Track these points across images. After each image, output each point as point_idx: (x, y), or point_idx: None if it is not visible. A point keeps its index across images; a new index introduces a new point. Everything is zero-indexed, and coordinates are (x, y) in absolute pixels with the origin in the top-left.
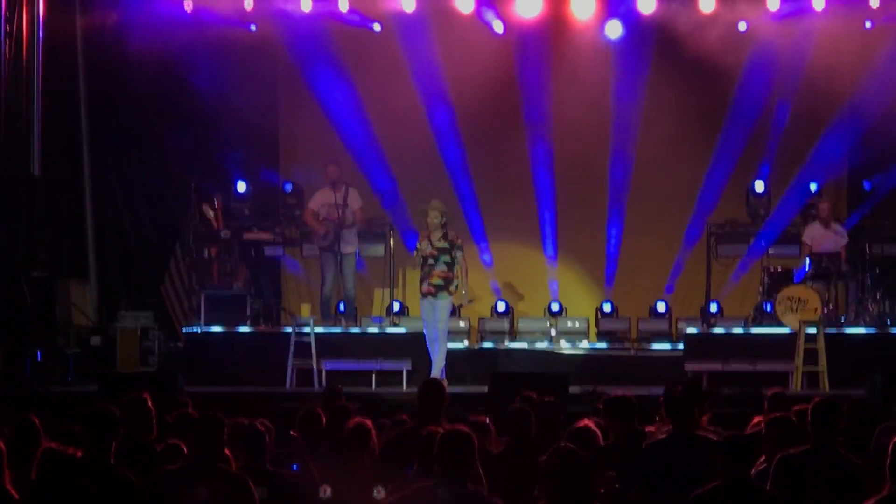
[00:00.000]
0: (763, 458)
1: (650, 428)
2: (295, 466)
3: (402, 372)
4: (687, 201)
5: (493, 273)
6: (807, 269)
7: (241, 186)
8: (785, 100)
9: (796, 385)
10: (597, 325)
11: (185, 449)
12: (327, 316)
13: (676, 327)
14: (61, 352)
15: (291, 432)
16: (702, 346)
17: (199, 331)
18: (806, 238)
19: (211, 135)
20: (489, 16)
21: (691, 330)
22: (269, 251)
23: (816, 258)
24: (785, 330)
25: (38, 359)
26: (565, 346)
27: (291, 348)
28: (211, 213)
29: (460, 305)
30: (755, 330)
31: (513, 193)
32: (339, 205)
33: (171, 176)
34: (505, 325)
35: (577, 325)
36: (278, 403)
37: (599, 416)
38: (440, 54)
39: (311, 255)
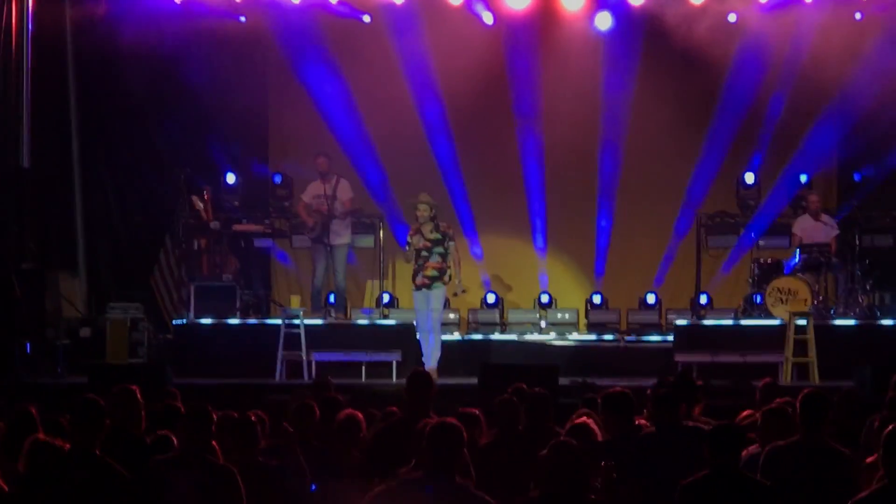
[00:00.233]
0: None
1: (641, 420)
2: (314, 487)
3: (391, 363)
4: (677, 193)
5: (483, 265)
6: (797, 260)
7: (231, 178)
8: (775, 91)
9: (786, 376)
10: (586, 316)
11: (174, 440)
12: (317, 307)
13: (666, 319)
14: (51, 344)
15: (284, 424)
16: (692, 337)
17: (188, 322)
18: (796, 229)
19: (200, 126)
20: (479, 7)
21: (681, 321)
22: (258, 243)
23: (806, 249)
24: (775, 321)
25: (28, 351)
26: (555, 338)
27: (281, 340)
28: (200, 205)
29: (454, 295)
30: (745, 321)
31: (502, 185)
32: (329, 196)
33: (161, 168)
34: (495, 316)
35: (566, 316)
36: (268, 395)
37: (597, 410)
38: (430, 45)
39: (300, 247)
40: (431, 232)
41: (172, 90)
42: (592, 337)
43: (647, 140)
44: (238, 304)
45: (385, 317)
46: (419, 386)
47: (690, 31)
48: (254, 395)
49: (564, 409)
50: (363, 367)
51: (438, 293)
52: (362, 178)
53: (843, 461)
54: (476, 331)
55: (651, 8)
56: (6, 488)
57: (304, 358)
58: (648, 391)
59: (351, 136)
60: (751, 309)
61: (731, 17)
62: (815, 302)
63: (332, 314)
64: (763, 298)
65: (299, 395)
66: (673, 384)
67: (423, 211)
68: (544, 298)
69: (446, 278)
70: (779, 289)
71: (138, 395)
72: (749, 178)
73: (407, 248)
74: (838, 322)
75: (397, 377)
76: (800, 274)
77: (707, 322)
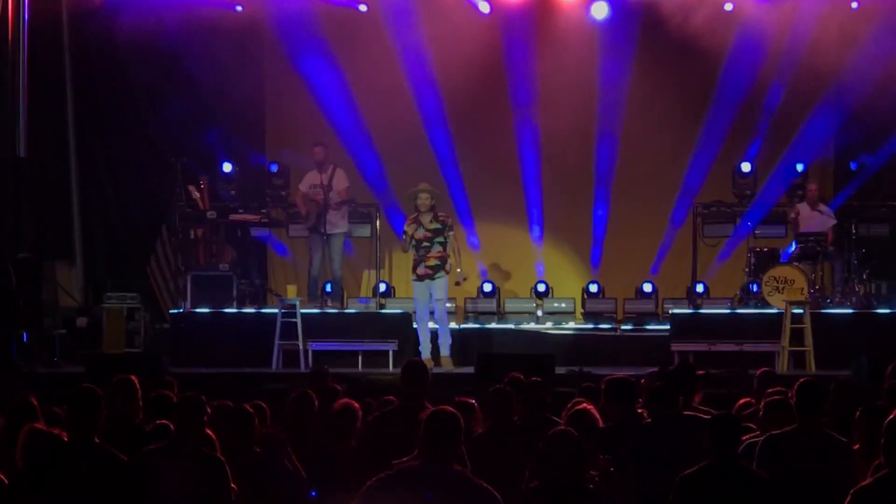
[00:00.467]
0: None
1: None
2: (313, 493)
3: (388, 353)
4: (673, 182)
5: (479, 254)
6: (793, 249)
7: (228, 167)
8: (772, 80)
9: (783, 365)
10: (583, 305)
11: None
12: (314, 297)
13: (663, 308)
14: (47, 333)
15: (267, 429)
16: (688, 326)
17: (185, 312)
18: (795, 213)
19: (197, 116)
20: None
21: (678, 310)
22: (255, 232)
23: (803, 238)
24: (771, 310)
25: (25, 340)
26: (552, 327)
27: (278, 329)
28: (197, 195)
29: (457, 284)
30: (741, 310)
31: (499, 174)
32: (325, 186)
33: (158, 157)
34: (492, 305)
35: (563, 305)
36: (265, 384)
37: (593, 400)
38: (426, 34)
39: (297, 236)
40: (431, 222)
41: (169, 79)
42: (589, 326)
43: (644, 129)
44: (235, 294)
45: (382, 306)
46: (414, 375)
47: (687, 20)
48: (250, 384)
49: (561, 398)
50: (360, 357)
51: (441, 283)
52: (359, 167)
53: (841, 449)
54: (473, 320)
55: None
56: (6, 480)
57: (301, 347)
58: (642, 381)
59: (348, 126)
60: (747, 298)
61: (728, 6)
62: (812, 291)
63: (329, 303)
64: (759, 287)
65: (296, 384)
66: (672, 374)
67: (425, 200)
68: (541, 287)
69: (448, 267)
70: (775, 278)
71: (137, 385)
72: (745, 167)
73: (404, 237)
74: (835, 311)
75: (394, 366)
76: (796, 263)
77: (704, 311)
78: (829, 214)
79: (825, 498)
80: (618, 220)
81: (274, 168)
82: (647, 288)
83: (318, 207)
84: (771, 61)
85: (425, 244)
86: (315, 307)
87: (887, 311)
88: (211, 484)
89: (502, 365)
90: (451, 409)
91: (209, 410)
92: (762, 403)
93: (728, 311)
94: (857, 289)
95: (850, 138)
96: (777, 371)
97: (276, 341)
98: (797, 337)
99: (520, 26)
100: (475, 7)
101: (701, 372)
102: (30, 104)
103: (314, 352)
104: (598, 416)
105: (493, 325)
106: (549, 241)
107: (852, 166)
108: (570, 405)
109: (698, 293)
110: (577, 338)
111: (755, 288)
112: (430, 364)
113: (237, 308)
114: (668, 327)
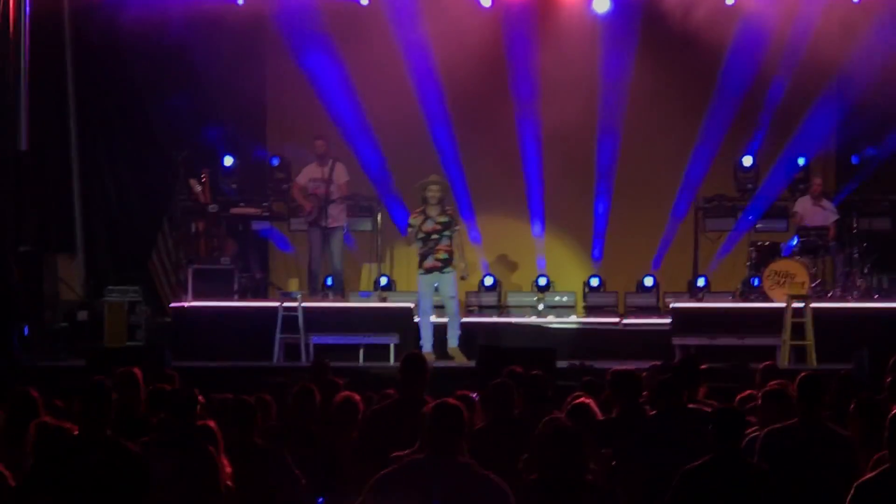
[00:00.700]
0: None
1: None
2: (321, 500)
3: (389, 346)
4: (675, 176)
5: (481, 248)
6: (794, 243)
7: (229, 161)
8: (773, 74)
9: (784, 359)
10: (584, 299)
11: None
12: (315, 290)
13: (664, 302)
14: (48, 327)
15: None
16: (689, 320)
17: (186, 305)
18: (797, 208)
19: (198, 109)
20: None
21: (679, 304)
22: (256, 226)
23: (804, 232)
24: (772, 304)
25: (26, 334)
26: (553, 321)
27: (279, 322)
28: (198, 188)
29: (462, 278)
30: (743, 304)
31: (501, 168)
32: (326, 179)
33: (159, 150)
34: (493, 299)
35: (564, 299)
36: (266, 377)
37: (594, 394)
38: (427, 27)
39: (298, 230)
40: (440, 215)
41: (171, 73)
42: (590, 320)
43: (646, 123)
44: (236, 287)
45: (383, 300)
46: (413, 368)
47: (688, 14)
48: (251, 377)
49: (562, 391)
50: (361, 350)
51: (450, 277)
52: (360, 161)
53: (842, 443)
54: (474, 314)
55: None
56: (7, 473)
57: (303, 341)
58: (644, 374)
59: (349, 119)
60: (748, 292)
61: (729, 0)
62: (813, 285)
63: (330, 297)
64: (761, 281)
65: (298, 378)
66: (676, 367)
67: (435, 192)
68: (542, 281)
69: (455, 261)
70: (776, 272)
71: (140, 378)
72: (747, 160)
73: (409, 230)
74: (836, 305)
75: (395, 360)
76: (797, 257)
77: (705, 305)
78: (832, 210)
79: (826, 491)
80: (619, 213)
81: (275, 161)
82: (649, 282)
83: (318, 201)
84: (772, 55)
85: (434, 237)
86: (316, 301)
87: (888, 305)
88: (198, 475)
89: (503, 359)
90: (454, 401)
91: (202, 401)
92: (760, 393)
93: (729, 305)
94: (858, 283)
95: (851, 132)
96: (778, 365)
97: (278, 335)
98: (798, 331)
99: (521, 20)
100: (477, 1)
101: (704, 366)
102: (31, 98)
103: (315, 345)
104: (597, 409)
105: (495, 319)
106: (550, 234)
107: (854, 160)
108: (569, 399)
109: (699, 287)
110: (579, 332)
111: (756, 282)
112: (431, 358)
113: (238, 302)
114: (669, 321)
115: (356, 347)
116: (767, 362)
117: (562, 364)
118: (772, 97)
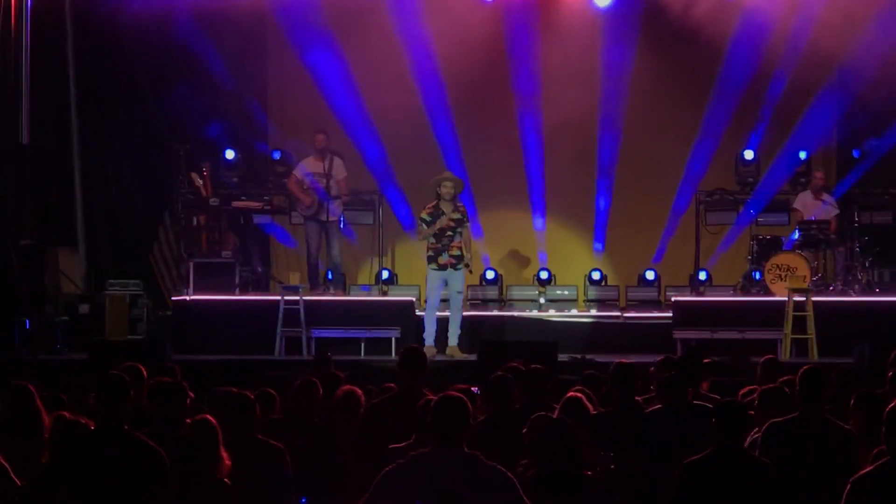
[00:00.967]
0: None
1: (637, 397)
2: (304, 500)
3: (390, 340)
4: (676, 170)
5: (482, 241)
6: (795, 237)
7: (230, 154)
8: (774, 68)
9: (785, 353)
10: (586, 293)
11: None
12: (315, 284)
13: (665, 295)
14: (50, 320)
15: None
16: (691, 313)
17: (187, 299)
18: (797, 204)
19: (200, 102)
20: None
21: (680, 298)
22: (257, 219)
23: (805, 226)
24: (774, 298)
25: (27, 327)
26: (554, 314)
27: (280, 316)
28: (200, 182)
29: (470, 271)
30: (744, 298)
31: (502, 162)
32: (326, 174)
33: (160, 144)
34: (494, 293)
35: (566, 292)
36: (267, 371)
37: (594, 388)
38: (429, 21)
39: (299, 223)
40: (454, 212)
41: (172, 66)
42: (592, 313)
43: (647, 117)
44: (237, 281)
45: (384, 293)
46: (412, 362)
47: (689, 7)
48: (253, 371)
49: (564, 385)
50: (362, 344)
51: (461, 275)
52: (362, 155)
53: (843, 436)
54: (476, 307)
55: None
56: (6, 465)
57: (304, 334)
58: (651, 369)
59: (351, 113)
60: (749, 285)
61: None
62: (814, 278)
63: (331, 290)
64: (762, 275)
65: (299, 371)
66: (680, 362)
67: (450, 188)
68: (544, 275)
69: (466, 257)
70: (778, 265)
71: (143, 372)
72: (748, 154)
73: (422, 225)
74: (837, 299)
75: (396, 353)
76: (799, 251)
77: (706, 298)
78: (832, 204)
79: (827, 485)
80: (620, 207)
81: (277, 155)
82: (650, 275)
83: (318, 196)
84: (773, 48)
85: (449, 233)
86: (317, 294)
87: (889, 298)
88: (186, 469)
89: (505, 353)
90: (457, 393)
91: (192, 395)
92: (757, 392)
93: (730, 298)
94: (859, 276)
95: (852, 126)
96: (780, 359)
97: (279, 328)
98: (800, 324)
99: (523, 14)
100: None
101: (707, 360)
102: (32, 91)
103: (316, 339)
104: (589, 404)
105: (496, 313)
106: (551, 228)
107: (855, 154)
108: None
109: (701, 280)
110: (580, 325)
111: (758, 275)
112: (433, 352)
113: (239, 295)
114: (670, 315)
115: (357, 341)
116: (768, 356)
117: (563, 358)
118: (773, 91)
